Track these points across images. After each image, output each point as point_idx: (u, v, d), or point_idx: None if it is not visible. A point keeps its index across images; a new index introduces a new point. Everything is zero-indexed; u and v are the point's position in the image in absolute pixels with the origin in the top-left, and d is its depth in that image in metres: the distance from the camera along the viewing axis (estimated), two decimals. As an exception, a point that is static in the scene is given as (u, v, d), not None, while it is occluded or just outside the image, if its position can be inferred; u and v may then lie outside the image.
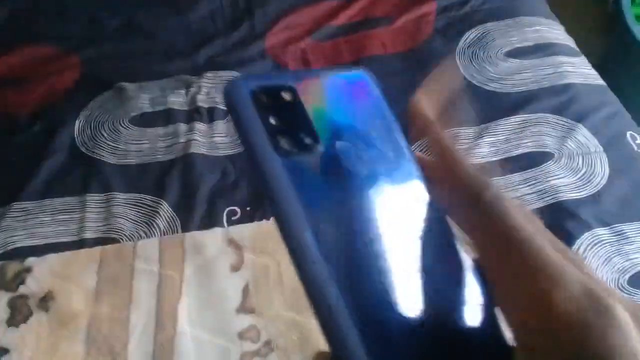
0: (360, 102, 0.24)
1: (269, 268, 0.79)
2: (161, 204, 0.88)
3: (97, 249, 0.83)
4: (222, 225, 0.85)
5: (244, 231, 0.83)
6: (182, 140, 0.98)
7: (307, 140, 0.20)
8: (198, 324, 0.75)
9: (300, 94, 0.21)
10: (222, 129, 0.99)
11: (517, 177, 0.89)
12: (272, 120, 0.19)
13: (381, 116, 0.24)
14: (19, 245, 0.85)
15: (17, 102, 1.01)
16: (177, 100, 1.02)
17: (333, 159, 0.20)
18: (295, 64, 1.08)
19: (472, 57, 1.08)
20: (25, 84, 1.03)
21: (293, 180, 0.19)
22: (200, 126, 0.98)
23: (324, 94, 0.23)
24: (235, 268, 0.80)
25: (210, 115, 1.01)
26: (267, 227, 0.84)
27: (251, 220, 0.86)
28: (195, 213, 0.87)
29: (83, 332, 0.75)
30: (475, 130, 0.95)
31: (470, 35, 1.12)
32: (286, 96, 0.21)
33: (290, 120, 0.20)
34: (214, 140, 0.97)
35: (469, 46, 1.10)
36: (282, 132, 0.19)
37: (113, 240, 0.84)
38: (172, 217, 0.86)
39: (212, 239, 0.83)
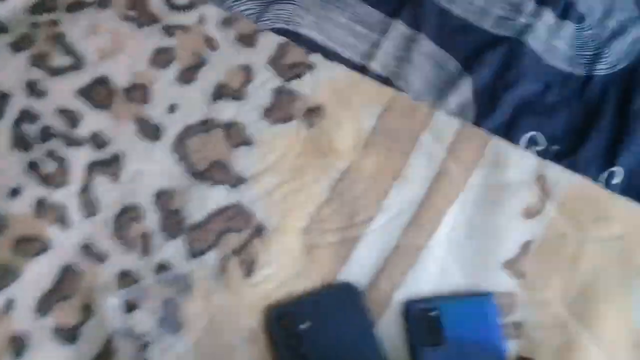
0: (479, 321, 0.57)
1: (566, 239, 0.62)
2: (465, 80, 0.72)
3: (389, 91, 0.68)
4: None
5: (562, 178, 0.65)
6: (522, 20, 0.77)
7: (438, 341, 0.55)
8: (454, 250, 0.63)
9: (439, 312, 0.56)
10: (568, 35, 0.76)
11: None
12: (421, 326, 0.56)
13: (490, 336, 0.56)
14: (302, 31, 0.74)
15: None
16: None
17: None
18: None
19: None
20: None
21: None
22: (548, 17, 0.75)
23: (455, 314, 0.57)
24: (529, 214, 0.64)
25: (565, 10, 0.78)
26: (589, 190, 0.67)
27: (557, 161, 0.68)
28: (495, 115, 0.71)
29: (335, 175, 0.66)
30: None
31: None
32: (432, 314, 0.56)
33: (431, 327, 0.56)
34: (554, 43, 0.76)
35: None
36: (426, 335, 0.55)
37: (397, 88, 0.71)
38: (468, 101, 0.71)
39: (520, 161, 0.66)
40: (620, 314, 0.60)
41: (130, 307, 0.57)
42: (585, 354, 0.58)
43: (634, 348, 0.58)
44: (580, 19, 0.75)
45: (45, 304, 0.58)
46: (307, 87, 0.67)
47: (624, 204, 0.63)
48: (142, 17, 0.70)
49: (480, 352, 0.57)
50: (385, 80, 0.70)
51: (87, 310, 0.58)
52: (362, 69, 0.71)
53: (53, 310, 0.58)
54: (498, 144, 0.66)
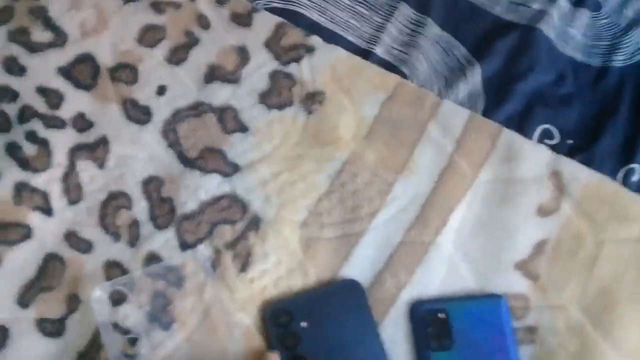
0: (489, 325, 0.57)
1: (585, 241, 0.62)
2: (474, 67, 0.71)
3: (394, 77, 0.67)
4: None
5: (579, 174, 0.64)
6: (535, 6, 0.76)
7: (446, 344, 0.55)
8: (463, 248, 0.62)
9: (448, 314, 0.56)
10: (583, 24, 0.76)
11: None
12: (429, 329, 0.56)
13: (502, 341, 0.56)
14: (301, 11, 0.73)
15: None
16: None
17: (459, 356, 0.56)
18: None
19: None
20: None
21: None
22: (563, 4, 0.75)
23: (464, 316, 0.57)
24: (544, 212, 0.63)
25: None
26: (608, 188, 0.66)
27: (571, 156, 0.67)
28: (506, 106, 0.69)
29: (335, 166, 0.65)
30: None
31: None
32: (441, 315, 0.56)
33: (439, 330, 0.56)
34: (568, 30, 0.75)
35: None
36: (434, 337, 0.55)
37: (402, 75, 0.69)
38: (477, 91, 0.70)
39: (534, 155, 0.66)
40: None
41: (117, 300, 0.54)
42: (602, 360, 0.57)
43: (654, 354, 0.57)
44: (597, 7, 0.74)
45: (27, 295, 0.57)
46: (306, 71, 0.66)
47: (644, 203, 0.62)
48: (129, -9, 0.68)
49: (490, 358, 0.55)
50: (390, 66, 0.68)
51: (73, 302, 0.57)
52: (365, 54, 0.69)
53: (36, 302, 0.57)
54: (511, 136, 0.65)
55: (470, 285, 0.60)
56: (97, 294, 0.55)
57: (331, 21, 0.71)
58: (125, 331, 0.55)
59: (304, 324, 0.56)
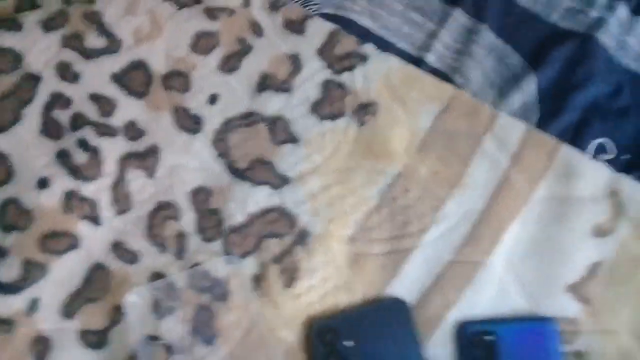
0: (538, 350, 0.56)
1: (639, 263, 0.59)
2: (529, 77, 0.69)
3: (449, 88, 0.67)
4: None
5: (638, 193, 0.61)
6: (594, 14, 0.73)
7: None
8: (514, 269, 0.61)
9: (496, 336, 0.56)
10: None
11: None
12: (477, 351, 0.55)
13: None
14: (353, 17, 0.72)
15: None
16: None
17: None
18: None
19: None
20: None
21: None
22: (622, 12, 0.72)
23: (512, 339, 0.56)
24: (600, 232, 0.61)
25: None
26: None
27: (627, 172, 0.65)
28: (562, 118, 0.68)
29: (387, 180, 0.64)
30: None
31: None
32: (489, 338, 0.55)
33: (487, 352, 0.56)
34: (626, 39, 0.72)
35: None
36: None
37: (455, 84, 0.68)
38: (533, 101, 0.68)
39: (592, 173, 0.64)
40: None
41: (161, 313, 0.55)
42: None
43: None
44: (657, 15, 0.71)
45: (72, 306, 0.58)
46: (359, 80, 0.65)
47: None
48: (182, -4, 0.68)
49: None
50: (442, 75, 0.67)
51: (116, 314, 0.58)
52: (417, 62, 0.68)
53: (80, 313, 0.58)
54: (568, 152, 0.63)
55: (520, 308, 0.59)
56: (131, 299, 0.55)
57: (383, 28, 0.70)
58: (165, 344, 0.55)
59: (349, 343, 0.56)
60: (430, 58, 0.68)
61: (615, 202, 0.62)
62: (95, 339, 0.56)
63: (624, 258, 0.60)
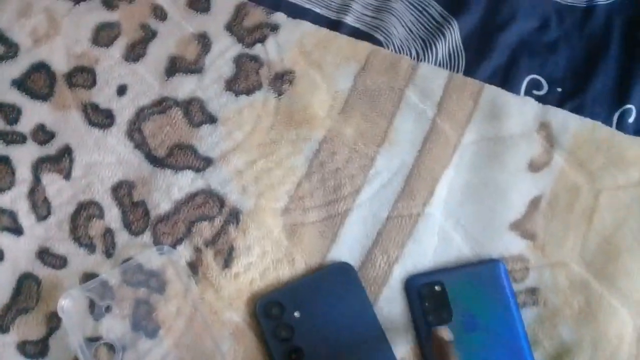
0: (489, 292, 0.56)
1: (580, 192, 0.60)
2: (451, 24, 0.68)
3: (366, 46, 0.65)
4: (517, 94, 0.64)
5: (569, 123, 0.63)
6: None
7: (445, 317, 0.55)
8: (453, 216, 0.60)
9: (444, 286, 0.56)
10: None
11: None
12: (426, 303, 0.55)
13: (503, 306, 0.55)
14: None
15: None
16: None
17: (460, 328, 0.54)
18: None
19: None
20: None
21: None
22: None
23: (462, 286, 0.57)
24: (536, 167, 0.61)
25: None
26: (601, 134, 0.64)
27: (562, 105, 0.65)
28: (489, 60, 0.67)
29: (312, 146, 0.63)
30: None
31: None
32: (437, 288, 0.55)
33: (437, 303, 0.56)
34: None
35: None
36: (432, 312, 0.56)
37: (377, 43, 0.67)
38: (457, 48, 0.67)
39: (520, 108, 0.63)
40: (645, 267, 0.56)
41: (98, 313, 0.55)
42: (610, 314, 0.55)
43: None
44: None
45: (5, 320, 0.57)
46: (272, 51, 0.64)
47: (641, 145, 0.60)
48: (78, -10, 0.66)
49: (494, 326, 0.54)
50: (363, 35, 0.66)
51: (53, 321, 0.57)
52: (336, 25, 0.67)
53: (15, 325, 0.57)
54: (494, 92, 0.63)
55: (465, 253, 0.58)
56: (65, 304, 0.54)
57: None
58: (106, 343, 0.55)
59: (296, 314, 0.55)
60: (349, 19, 0.67)
61: (546, 134, 0.61)
62: (36, 349, 0.55)
63: (562, 189, 0.60)
